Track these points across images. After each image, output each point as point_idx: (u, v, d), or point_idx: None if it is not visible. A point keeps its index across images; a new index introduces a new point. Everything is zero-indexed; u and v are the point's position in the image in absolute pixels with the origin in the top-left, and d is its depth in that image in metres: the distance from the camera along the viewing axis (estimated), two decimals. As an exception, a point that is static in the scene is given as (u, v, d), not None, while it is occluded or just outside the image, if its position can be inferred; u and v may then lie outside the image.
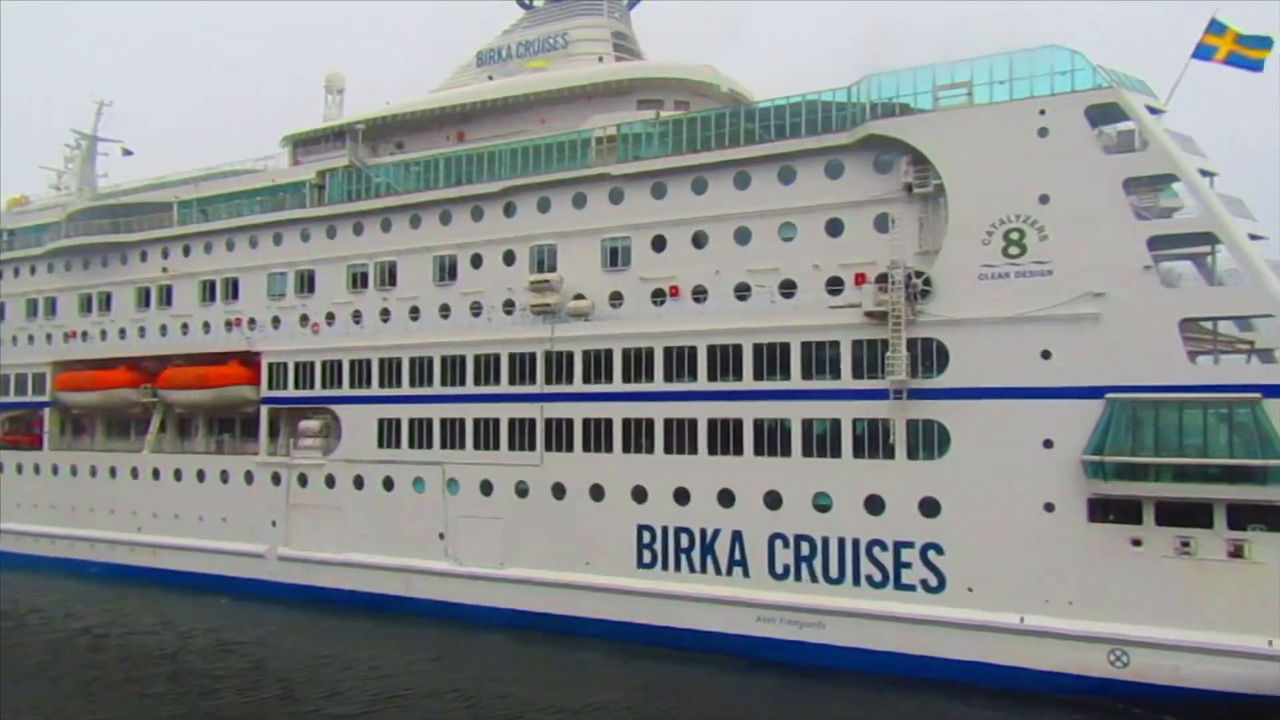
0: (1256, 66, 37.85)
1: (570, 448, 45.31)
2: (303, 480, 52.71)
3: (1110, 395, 34.80)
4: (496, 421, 47.23)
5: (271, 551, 53.24)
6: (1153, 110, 36.26)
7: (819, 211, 41.25)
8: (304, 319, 54.51)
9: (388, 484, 50.10)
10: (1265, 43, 37.69)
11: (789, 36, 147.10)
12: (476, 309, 49.04)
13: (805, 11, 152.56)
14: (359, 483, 50.94)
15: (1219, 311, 35.02)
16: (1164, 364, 34.17)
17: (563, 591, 44.40)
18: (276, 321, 55.50)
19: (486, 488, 47.25)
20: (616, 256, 45.95)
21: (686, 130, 44.97)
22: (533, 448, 46.19)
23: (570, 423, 45.41)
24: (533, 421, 46.25)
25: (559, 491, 45.45)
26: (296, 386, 53.56)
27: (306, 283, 54.66)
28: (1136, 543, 34.32)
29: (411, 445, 49.46)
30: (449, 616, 46.57)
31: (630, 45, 54.77)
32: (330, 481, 51.71)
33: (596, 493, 44.54)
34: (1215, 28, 37.95)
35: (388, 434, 50.27)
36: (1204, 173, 35.47)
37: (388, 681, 38.25)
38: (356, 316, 52.74)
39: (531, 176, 47.91)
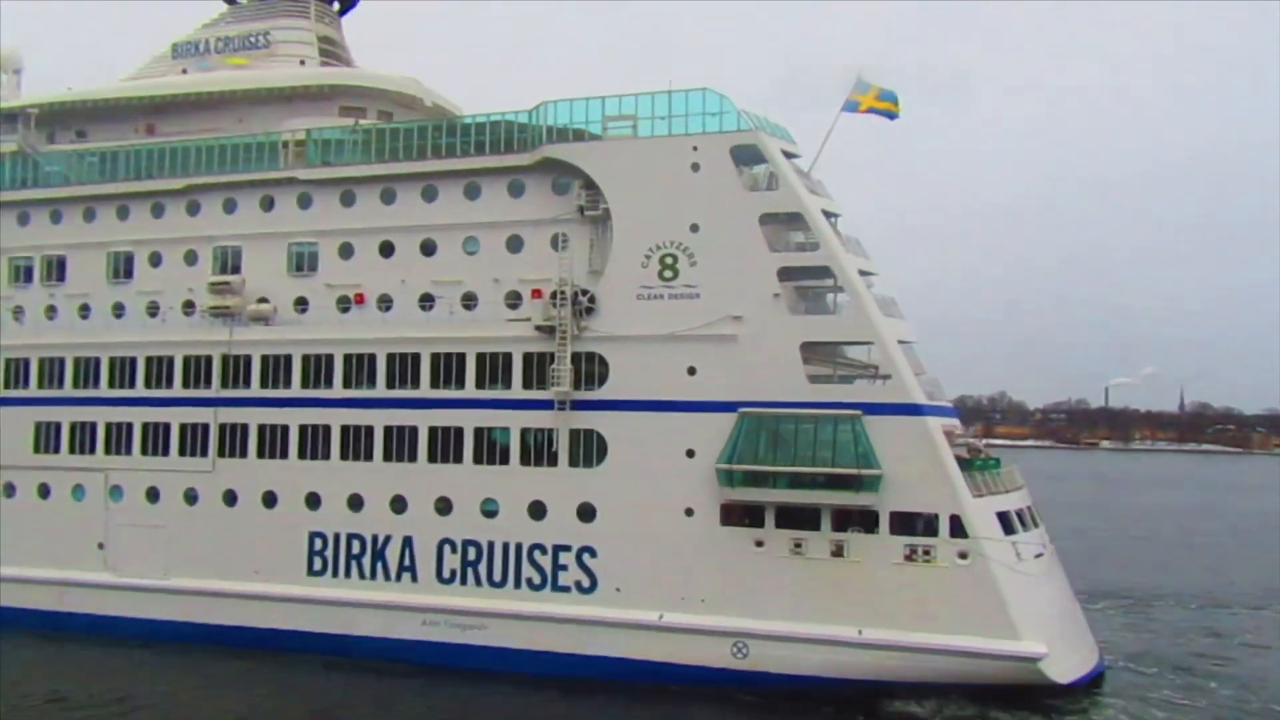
0: (893, 116, 43.24)
1: (244, 454, 44.38)
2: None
3: (743, 410, 38.31)
4: (167, 426, 45.45)
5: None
6: (789, 155, 40.37)
7: (501, 228, 42.76)
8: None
9: (43, 491, 46.89)
10: (894, 97, 43.14)
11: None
12: (154, 309, 47.01)
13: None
14: (9, 490, 47.34)
15: (832, 337, 39.39)
16: (787, 382, 38.08)
17: (231, 602, 43.27)
18: None
19: (153, 494, 45.31)
20: (303, 262, 45.54)
21: (376, 140, 45.35)
22: (205, 453, 44.81)
23: (245, 428, 44.46)
24: (206, 426, 44.88)
25: (230, 498, 44.33)
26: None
27: None
28: (759, 544, 37.87)
29: (72, 450, 46.64)
30: (108, 631, 44.12)
31: (338, 51, 54.34)
32: None
33: (269, 499, 43.82)
34: (860, 86, 42.91)
35: (45, 438, 47.13)
36: (828, 214, 39.86)
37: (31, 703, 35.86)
38: (18, 313, 49.08)
39: (217, 175, 46.63)
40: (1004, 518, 37.39)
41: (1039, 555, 38.52)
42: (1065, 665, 36.06)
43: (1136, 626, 49.57)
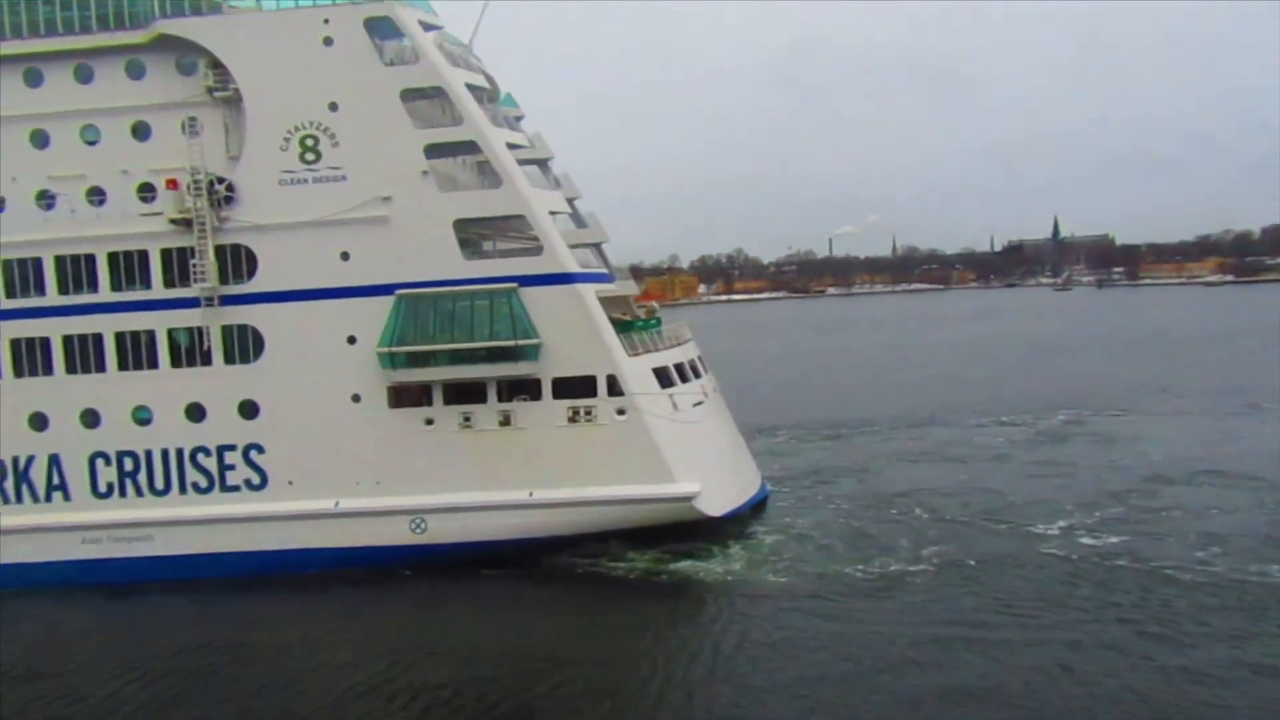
0: None
1: None
2: None
3: (400, 292, 37.97)
4: None
5: None
6: (429, 26, 39.02)
7: (122, 114, 39.04)
8: None
9: None
10: None
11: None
12: None
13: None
14: None
15: (484, 213, 39.31)
16: (441, 261, 37.95)
17: None
18: None
19: None
20: None
21: (-35, 16, 39.53)
22: None
23: None
24: None
25: None
26: None
27: None
28: (430, 422, 38.33)
29: None
30: None
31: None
32: None
33: None
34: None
35: None
36: (477, 88, 39.12)
37: None
38: None
39: None
40: (662, 373, 39.67)
41: (698, 404, 41.43)
42: (720, 499, 39.44)
43: (816, 454, 54.92)
